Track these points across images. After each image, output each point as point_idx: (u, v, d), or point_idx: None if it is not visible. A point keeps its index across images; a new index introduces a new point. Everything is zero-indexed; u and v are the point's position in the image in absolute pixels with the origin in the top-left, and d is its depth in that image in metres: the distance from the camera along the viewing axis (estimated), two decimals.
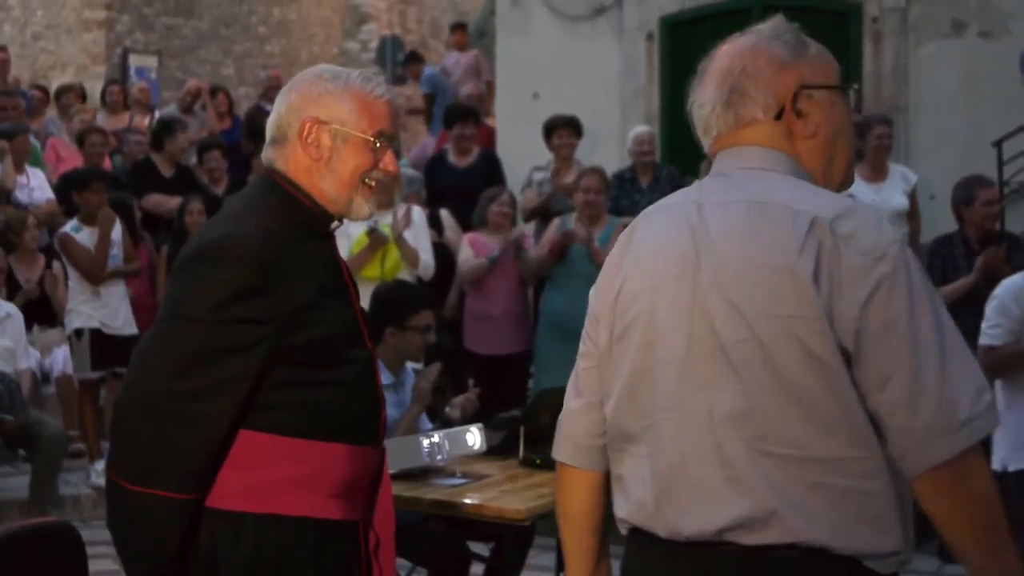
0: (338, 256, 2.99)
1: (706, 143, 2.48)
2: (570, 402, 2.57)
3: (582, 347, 2.53)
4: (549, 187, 9.53)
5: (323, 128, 2.86)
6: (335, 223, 2.94)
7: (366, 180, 2.90)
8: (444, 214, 9.31)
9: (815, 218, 2.23)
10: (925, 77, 10.31)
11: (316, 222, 2.90)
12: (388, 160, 2.91)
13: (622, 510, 2.43)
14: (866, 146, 8.75)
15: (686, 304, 2.31)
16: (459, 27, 15.93)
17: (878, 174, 8.79)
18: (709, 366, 2.28)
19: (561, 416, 2.59)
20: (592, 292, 2.52)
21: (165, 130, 10.83)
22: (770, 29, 2.46)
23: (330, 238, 2.96)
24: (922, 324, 2.19)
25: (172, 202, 10.17)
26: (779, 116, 2.40)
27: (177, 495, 2.73)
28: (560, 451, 2.60)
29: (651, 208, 2.51)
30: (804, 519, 2.21)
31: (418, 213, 8.23)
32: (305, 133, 2.86)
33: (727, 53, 2.45)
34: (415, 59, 16.34)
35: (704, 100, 2.46)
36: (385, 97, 2.91)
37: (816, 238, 2.22)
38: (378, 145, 2.88)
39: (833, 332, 2.20)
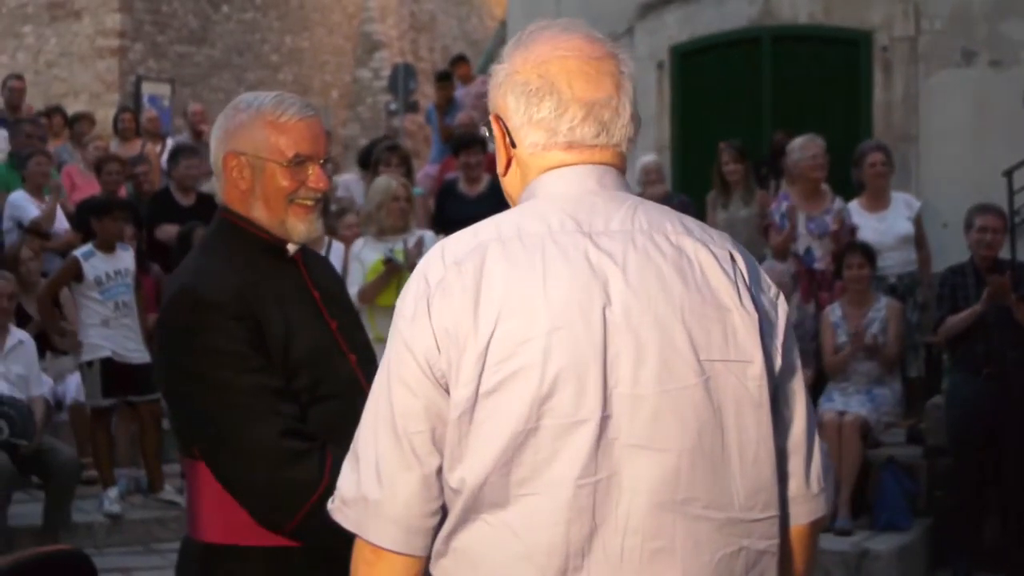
0: (306, 276, 2.99)
1: None
2: (395, 476, 2.05)
3: (405, 405, 2.05)
4: None
5: (242, 160, 2.89)
6: (292, 245, 2.95)
7: (296, 201, 2.90)
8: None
9: None
10: (935, 106, 10.34)
11: (272, 247, 2.93)
12: (315, 178, 2.90)
13: None
14: (863, 175, 8.68)
15: (594, 350, 2.00)
16: (460, 60, 15.73)
17: (879, 202, 8.69)
18: (642, 423, 2.02)
19: (377, 495, 2.06)
20: (417, 337, 2.05)
21: (171, 158, 10.89)
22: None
23: (295, 260, 2.97)
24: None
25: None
26: None
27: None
28: (385, 536, 2.06)
29: (499, 237, 2.21)
30: None
31: (431, 239, 8.23)
32: (228, 168, 2.90)
33: None
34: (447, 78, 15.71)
35: None
36: (298, 117, 2.89)
37: None
38: (298, 166, 2.88)
39: None
